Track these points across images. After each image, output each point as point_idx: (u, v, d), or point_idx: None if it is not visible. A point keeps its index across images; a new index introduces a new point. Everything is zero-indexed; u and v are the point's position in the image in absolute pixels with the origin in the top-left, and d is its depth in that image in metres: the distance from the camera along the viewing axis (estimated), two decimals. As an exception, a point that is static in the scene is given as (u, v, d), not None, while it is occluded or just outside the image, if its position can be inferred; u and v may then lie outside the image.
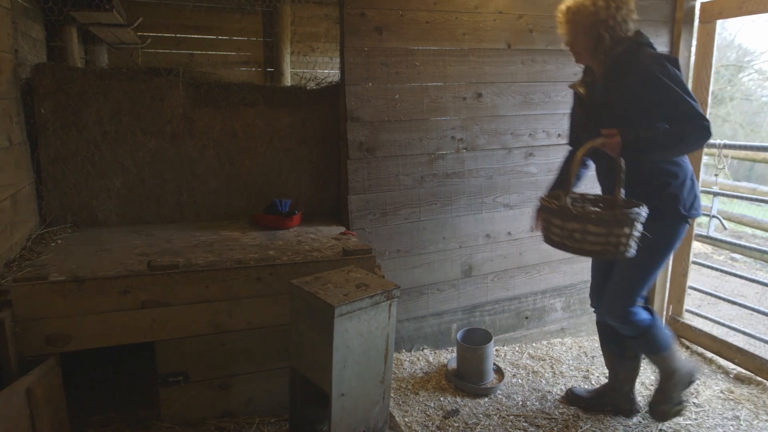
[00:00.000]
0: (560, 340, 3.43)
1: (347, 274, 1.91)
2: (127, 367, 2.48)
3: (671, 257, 2.28)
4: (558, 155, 3.14)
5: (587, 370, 3.04)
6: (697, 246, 3.59)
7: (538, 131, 3.07)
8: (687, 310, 3.53)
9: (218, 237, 2.41)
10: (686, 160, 2.19)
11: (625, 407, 2.55)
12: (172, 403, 2.02)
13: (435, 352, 3.06)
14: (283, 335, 2.06)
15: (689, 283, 3.47)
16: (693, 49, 3.32)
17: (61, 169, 2.44)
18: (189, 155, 2.61)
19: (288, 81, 5.01)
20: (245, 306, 2.01)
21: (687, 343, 3.41)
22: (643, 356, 2.55)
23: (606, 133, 1.97)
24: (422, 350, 3.06)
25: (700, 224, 4.01)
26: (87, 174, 2.49)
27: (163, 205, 2.62)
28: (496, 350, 3.15)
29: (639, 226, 1.90)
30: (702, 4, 3.23)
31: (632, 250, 1.93)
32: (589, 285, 3.45)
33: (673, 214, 2.16)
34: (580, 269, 3.38)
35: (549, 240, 2.01)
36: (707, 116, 1.98)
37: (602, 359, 3.18)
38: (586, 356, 3.23)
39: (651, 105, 1.99)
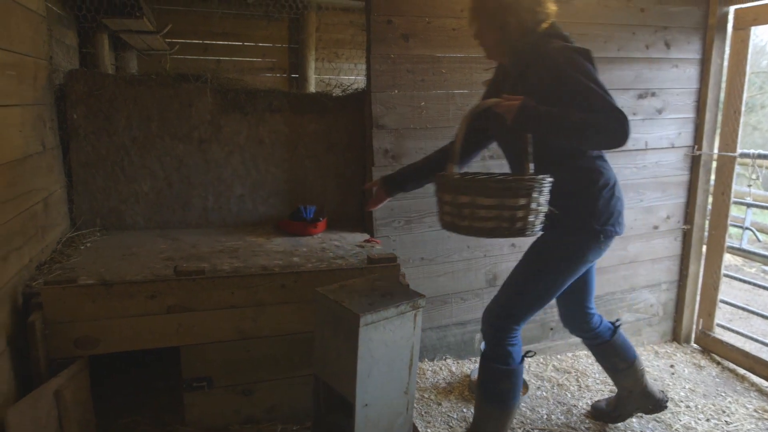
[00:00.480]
0: (586, 352, 3.36)
1: (372, 282, 1.90)
2: (150, 371, 2.50)
3: (570, 279, 2.02)
4: (586, 164, 3.08)
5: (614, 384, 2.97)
6: (727, 258, 3.49)
7: (565, 139, 3.02)
8: (718, 325, 3.43)
9: (243, 243, 2.42)
10: (608, 168, 1.98)
11: (649, 406, 2.46)
12: (196, 408, 2.02)
13: (458, 362, 3.03)
14: (307, 342, 2.05)
15: (720, 296, 3.38)
16: (726, 57, 3.24)
17: (92, 173, 2.48)
18: (215, 161, 2.63)
19: (312, 87, 5.04)
20: (270, 312, 2.01)
21: (718, 358, 3.31)
22: (636, 359, 2.44)
23: (506, 96, 1.79)
24: (445, 360, 3.02)
25: (732, 236, 3.90)
26: (116, 178, 2.52)
27: (189, 210, 2.64)
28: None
29: (542, 199, 1.69)
30: (736, 10, 3.15)
31: (534, 228, 1.71)
32: (614, 296, 3.41)
33: (581, 224, 1.93)
34: (606, 280, 3.31)
35: (441, 221, 1.79)
36: (624, 112, 1.70)
37: (629, 373, 3.13)
38: (613, 370, 3.16)
39: (561, 101, 1.76)
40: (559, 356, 3.25)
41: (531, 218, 1.68)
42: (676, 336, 3.59)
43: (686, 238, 3.46)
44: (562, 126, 1.73)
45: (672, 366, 3.23)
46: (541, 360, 3.18)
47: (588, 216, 1.93)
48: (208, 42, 4.82)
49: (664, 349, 3.47)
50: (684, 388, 2.96)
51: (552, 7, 1.92)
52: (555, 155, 1.92)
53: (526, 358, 2.11)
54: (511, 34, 1.88)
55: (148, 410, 2.22)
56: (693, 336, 3.55)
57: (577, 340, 3.29)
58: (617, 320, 2.43)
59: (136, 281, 1.86)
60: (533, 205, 1.67)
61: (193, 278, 1.91)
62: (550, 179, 1.74)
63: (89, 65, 3.24)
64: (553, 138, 1.81)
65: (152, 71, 2.58)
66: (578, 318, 2.32)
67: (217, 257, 2.19)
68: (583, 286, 2.23)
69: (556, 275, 2.00)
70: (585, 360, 3.25)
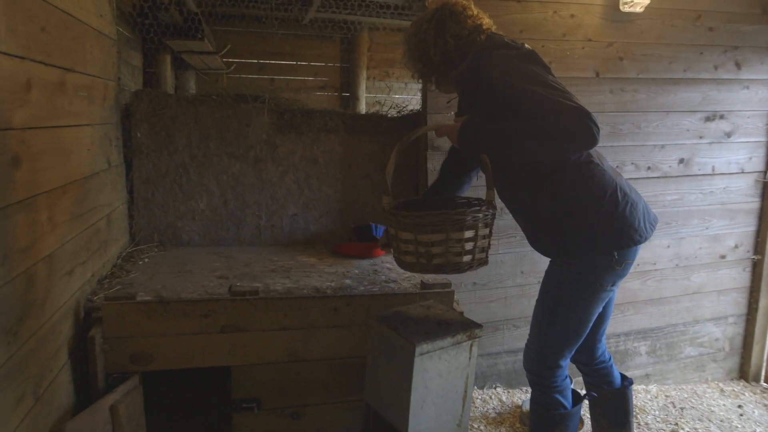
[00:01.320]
0: (644, 387, 3.18)
1: (427, 309, 1.85)
2: (200, 389, 2.52)
3: (593, 309, 1.81)
4: (647, 189, 2.96)
5: (676, 423, 2.80)
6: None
7: (626, 163, 2.91)
8: (791, 364, 3.20)
9: (295, 262, 2.42)
10: (602, 173, 1.71)
11: None
12: (244, 428, 2.01)
13: (509, 392, 2.92)
14: (357, 367, 2.02)
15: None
16: (802, 78, 3.06)
17: (152, 190, 2.55)
18: (270, 180, 2.66)
19: (363, 105, 5.07)
20: (321, 335, 1.99)
21: (792, 401, 3.08)
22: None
23: (455, 119, 1.73)
24: (495, 388, 2.92)
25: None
26: (175, 195, 2.58)
27: (243, 228, 2.67)
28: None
29: (467, 234, 1.56)
30: (814, 29, 2.98)
31: (460, 266, 1.59)
32: (676, 328, 3.22)
33: (585, 247, 1.72)
34: (668, 311, 3.15)
35: (396, 259, 1.72)
36: (590, 114, 1.49)
37: (692, 412, 2.93)
38: (674, 407, 2.98)
39: (512, 115, 1.59)
40: (615, 390, 3.09)
41: (452, 256, 1.57)
42: (744, 373, 3.36)
43: (756, 268, 3.25)
44: (510, 137, 1.58)
45: (740, 406, 3.02)
46: (597, 393, 3.03)
47: (590, 235, 1.71)
48: (264, 61, 4.94)
49: (731, 388, 3.26)
50: (755, 431, 2.75)
51: (480, 19, 1.80)
52: (528, 178, 1.75)
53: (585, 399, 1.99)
54: (446, 63, 1.77)
55: (197, 429, 2.22)
56: (763, 374, 3.32)
57: (636, 373, 3.14)
58: (628, 380, 2.15)
59: (192, 300, 1.88)
60: (451, 243, 1.55)
61: (247, 298, 1.91)
62: (476, 213, 1.58)
63: (152, 84, 3.36)
64: (506, 154, 1.66)
65: (211, 91, 2.64)
66: (583, 344, 2.01)
67: (269, 277, 2.19)
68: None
69: (575, 309, 1.80)
70: (643, 395, 3.08)
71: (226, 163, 2.61)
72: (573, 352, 1.90)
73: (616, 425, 2.12)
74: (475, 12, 1.80)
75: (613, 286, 1.80)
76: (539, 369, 1.87)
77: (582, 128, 1.49)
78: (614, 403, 2.11)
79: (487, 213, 1.61)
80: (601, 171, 1.73)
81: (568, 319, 1.81)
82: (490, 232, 1.68)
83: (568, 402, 1.91)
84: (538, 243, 1.87)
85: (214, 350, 1.91)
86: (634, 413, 2.85)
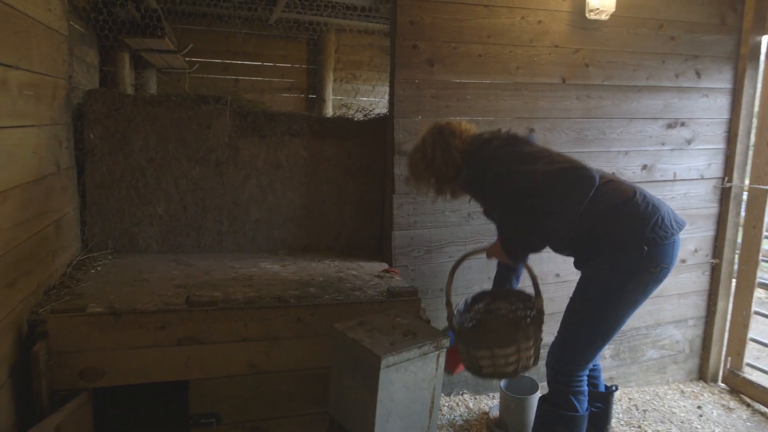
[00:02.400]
0: (617, 387, 3.21)
1: (393, 319, 1.80)
2: (156, 405, 2.40)
3: (627, 308, 1.91)
4: (612, 195, 2.99)
5: (639, 426, 2.83)
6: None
7: (591, 169, 2.93)
8: (747, 364, 3.28)
9: (258, 270, 2.34)
10: (622, 184, 1.93)
11: None
12: (203, 445, 1.92)
13: (476, 398, 2.90)
14: (322, 379, 1.96)
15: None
16: (759, 86, 3.14)
17: (106, 194, 2.43)
18: (232, 184, 2.57)
19: (330, 108, 5.01)
20: (284, 347, 1.92)
21: (748, 400, 3.15)
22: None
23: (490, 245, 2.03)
24: (462, 395, 2.90)
25: (764, 269, 3.74)
26: (130, 200, 2.47)
27: (203, 234, 2.58)
28: (541, 399, 2.97)
29: (531, 341, 1.83)
30: (769, 40, 3.07)
31: (529, 366, 1.85)
32: (638, 332, 3.27)
33: (618, 245, 1.85)
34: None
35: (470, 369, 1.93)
36: (582, 165, 1.75)
37: (654, 414, 2.98)
38: (637, 409, 3.02)
39: (518, 202, 1.91)
40: (581, 394, 3.12)
41: (523, 361, 1.81)
42: (703, 375, 3.43)
43: (715, 272, 3.33)
44: (539, 226, 1.85)
45: (700, 407, 3.07)
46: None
47: (619, 234, 1.85)
48: (228, 61, 4.82)
49: (691, 389, 3.32)
50: (714, 431, 2.81)
51: (469, 131, 2.05)
52: (569, 231, 1.94)
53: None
54: (456, 174, 1.99)
55: (153, 444, 2.12)
56: (720, 375, 3.40)
57: (602, 376, 3.16)
58: (614, 385, 2.27)
59: (147, 311, 1.79)
60: (523, 349, 1.79)
61: (205, 309, 1.83)
62: (535, 323, 1.82)
63: (109, 84, 3.22)
64: (547, 239, 1.94)
65: (172, 91, 2.54)
66: None
67: (230, 285, 2.11)
68: None
69: (606, 310, 1.88)
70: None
71: (186, 166, 2.50)
72: (596, 355, 1.98)
73: (594, 429, 2.14)
74: (464, 125, 2.07)
75: (645, 289, 1.88)
76: (559, 365, 1.94)
77: (582, 181, 1.74)
78: (596, 407, 2.15)
79: (541, 320, 1.86)
80: (617, 183, 1.94)
81: (597, 319, 1.90)
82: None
83: (581, 407, 1.95)
84: (576, 260, 2.03)
85: (170, 364, 1.82)
86: (599, 417, 2.87)
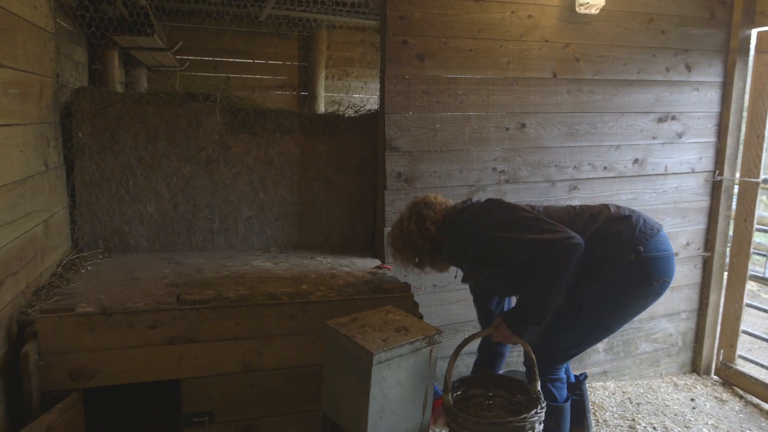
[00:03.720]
0: (602, 384, 3.23)
1: (385, 315, 1.80)
2: (148, 404, 2.39)
3: (622, 316, 1.97)
4: (604, 189, 3.00)
5: (633, 419, 2.84)
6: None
7: (583, 163, 2.93)
8: (740, 356, 3.30)
9: (250, 267, 2.33)
10: (591, 209, 1.98)
11: None
12: (196, 444, 1.91)
13: (470, 394, 2.90)
14: (315, 377, 1.95)
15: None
16: (748, 80, 3.16)
17: (95, 193, 2.41)
18: (223, 182, 2.56)
19: (322, 105, 4.99)
20: (276, 344, 1.91)
21: (740, 392, 3.18)
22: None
23: (494, 325, 1.90)
24: (456, 391, 2.90)
25: (755, 262, 3.77)
26: (121, 199, 2.45)
27: (194, 233, 2.56)
28: (535, 393, 2.98)
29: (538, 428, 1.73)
30: (759, 33, 3.08)
31: None
32: (632, 325, 3.28)
33: (612, 254, 1.87)
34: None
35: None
36: (565, 234, 1.75)
37: (648, 407, 2.99)
38: (631, 403, 3.03)
39: (503, 266, 1.90)
40: (575, 388, 3.12)
41: None
42: (696, 367, 3.45)
43: (707, 265, 3.35)
44: (541, 298, 1.77)
45: (693, 399, 3.09)
46: (557, 392, 3.05)
47: (615, 244, 1.87)
48: (218, 59, 4.79)
49: (684, 381, 3.34)
50: (707, 424, 2.82)
51: (444, 204, 2.05)
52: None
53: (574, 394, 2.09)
54: (434, 247, 1.98)
55: (146, 444, 2.11)
56: (713, 367, 3.42)
57: (594, 371, 3.18)
58: (582, 374, 2.30)
59: (137, 310, 1.77)
60: None
61: (197, 307, 1.82)
62: (543, 410, 1.74)
63: (98, 82, 3.19)
64: (551, 308, 1.81)
65: (161, 89, 2.52)
66: None
67: (222, 283, 2.09)
68: None
69: (598, 315, 1.93)
70: (601, 392, 3.12)
71: (176, 164, 2.49)
72: (579, 353, 2.06)
73: (573, 422, 2.14)
74: (440, 199, 2.07)
75: (645, 302, 1.93)
76: (540, 359, 1.91)
77: (569, 249, 1.72)
78: (574, 395, 2.18)
79: (542, 411, 1.75)
80: (586, 207, 2.00)
81: (590, 328, 1.95)
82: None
83: (559, 394, 2.01)
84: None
85: (161, 363, 1.81)
86: (592, 410, 2.88)
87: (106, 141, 2.39)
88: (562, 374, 2.04)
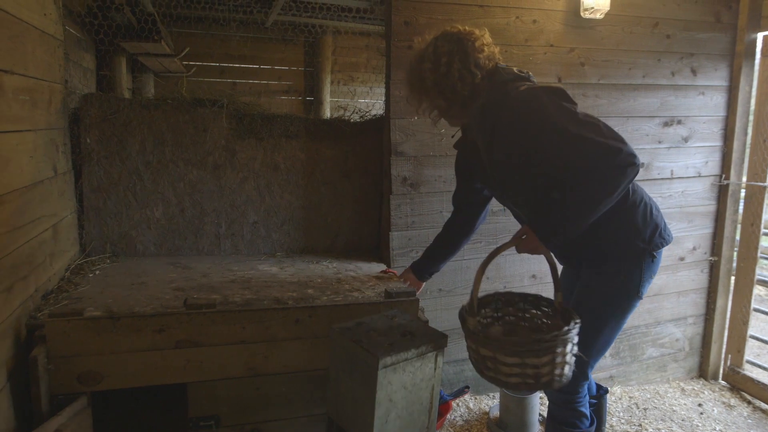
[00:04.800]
0: (609, 389, 3.21)
1: (391, 320, 1.80)
2: (155, 408, 2.40)
3: (628, 314, 1.84)
4: (609, 193, 2.99)
5: (640, 425, 2.83)
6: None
7: (588, 168, 2.93)
8: (747, 361, 3.28)
9: (256, 272, 2.34)
10: (637, 186, 1.77)
11: None
12: (202, 447, 1.92)
13: (476, 398, 2.90)
14: (321, 381, 1.96)
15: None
16: (755, 84, 3.15)
17: (103, 198, 2.43)
18: (229, 187, 2.57)
19: (328, 109, 5.02)
20: (282, 348, 1.92)
21: (749, 397, 3.15)
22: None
23: (517, 236, 1.65)
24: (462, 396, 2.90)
25: (762, 266, 3.74)
26: (128, 204, 2.47)
27: (201, 237, 2.58)
28: (541, 398, 2.97)
29: (568, 348, 1.52)
30: (765, 37, 3.08)
31: (562, 379, 1.54)
32: (638, 330, 3.26)
33: (630, 251, 1.72)
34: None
35: (470, 359, 1.69)
36: (632, 151, 1.51)
37: (655, 412, 2.97)
38: (638, 408, 3.02)
39: (544, 159, 1.59)
40: (581, 393, 3.11)
41: (557, 371, 1.53)
42: (703, 372, 3.43)
43: (713, 270, 3.33)
44: (580, 209, 1.54)
45: (700, 405, 3.07)
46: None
47: (629, 237, 1.72)
48: (225, 65, 4.83)
49: (691, 386, 3.32)
50: (715, 429, 2.81)
51: (494, 48, 1.73)
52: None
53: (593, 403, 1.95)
54: (472, 96, 1.67)
55: (153, 448, 2.12)
56: (721, 372, 3.40)
57: (600, 375, 3.17)
58: (603, 388, 2.17)
59: (144, 314, 1.79)
60: (558, 359, 1.52)
61: (203, 311, 1.83)
62: (577, 326, 1.53)
63: (106, 88, 3.22)
64: (584, 224, 1.58)
65: (168, 95, 2.54)
66: None
67: (228, 288, 2.11)
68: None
69: (614, 318, 1.79)
70: (608, 397, 3.10)
71: (183, 169, 2.51)
72: (593, 366, 1.89)
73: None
74: (488, 37, 1.72)
75: (646, 289, 1.80)
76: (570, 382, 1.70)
77: (629, 167, 1.49)
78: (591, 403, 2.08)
79: (576, 325, 1.54)
80: (636, 184, 1.78)
81: (607, 330, 1.80)
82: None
83: (586, 419, 1.88)
84: (569, 256, 1.86)
85: (168, 367, 1.82)
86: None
87: (114, 146, 2.41)
88: (585, 395, 1.88)
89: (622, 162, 1.49)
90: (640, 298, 1.80)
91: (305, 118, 2.65)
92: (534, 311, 1.79)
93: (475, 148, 1.84)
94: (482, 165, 1.84)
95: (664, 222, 1.81)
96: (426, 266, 2.21)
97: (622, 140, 1.52)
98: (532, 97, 1.58)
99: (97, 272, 2.25)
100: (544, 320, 1.76)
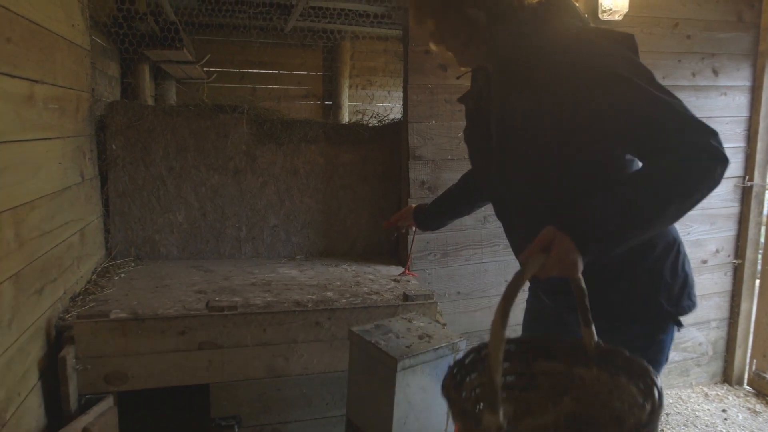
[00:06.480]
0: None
1: (409, 322, 1.82)
2: (179, 408, 2.45)
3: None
4: (629, 196, 2.97)
5: (662, 430, 2.80)
6: None
7: (608, 170, 2.91)
8: (774, 366, 3.22)
9: (276, 275, 2.38)
10: None
11: None
12: (224, 447, 1.96)
13: (494, 402, 2.89)
14: (340, 382, 1.98)
15: (777, 336, 3.17)
16: (779, 84, 3.10)
17: (128, 203, 2.50)
18: (250, 191, 2.62)
19: (346, 114, 5.06)
20: (302, 350, 1.95)
21: (775, 403, 3.10)
22: None
23: (535, 247, 1.00)
24: (481, 399, 2.89)
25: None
26: (152, 208, 2.53)
27: (222, 241, 2.62)
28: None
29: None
30: (789, 36, 3.02)
31: None
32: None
33: (652, 313, 1.23)
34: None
35: None
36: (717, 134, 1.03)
37: (677, 417, 2.93)
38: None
39: (593, 119, 1.10)
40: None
41: None
42: (728, 377, 3.37)
43: (737, 273, 3.28)
44: (636, 217, 1.01)
45: (724, 410, 3.02)
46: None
47: (652, 292, 1.23)
48: (245, 70, 4.90)
49: (715, 392, 3.26)
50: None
51: None
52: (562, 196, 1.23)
53: None
54: (483, 22, 1.19)
55: (176, 447, 2.16)
56: (746, 377, 3.34)
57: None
58: None
59: (168, 316, 1.83)
60: None
61: (225, 314, 1.87)
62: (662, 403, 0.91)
63: (130, 95, 3.30)
64: (646, 233, 1.05)
65: (190, 101, 2.60)
66: None
67: (249, 291, 2.14)
68: None
69: None
70: (630, 402, 3.07)
71: (205, 174, 2.56)
72: None
73: None
74: None
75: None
76: None
77: (718, 160, 1.01)
78: None
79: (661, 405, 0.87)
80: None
81: None
82: None
83: None
84: (562, 292, 1.26)
85: (191, 368, 1.86)
86: (620, 421, 2.84)
87: (138, 152, 2.48)
88: None
89: (716, 153, 1.00)
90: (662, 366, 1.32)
91: (324, 123, 2.69)
92: (547, 363, 1.08)
93: (482, 111, 1.32)
94: (485, 134, 1.30)
95: (693, 277, 1.31)
96: (432, 213, 1.83)
97: (703, 123, 1.03)
98: (597, 46, 1.11)
99: (123, 275, 2.31)
100: (576, 376, 1.05)
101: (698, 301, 1.30)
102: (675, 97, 1.06)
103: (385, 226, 1.92)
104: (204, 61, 3.81)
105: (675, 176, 1.00)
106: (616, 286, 1.24)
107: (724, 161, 1.01)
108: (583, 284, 1.01)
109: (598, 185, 1.18)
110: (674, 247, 1.28)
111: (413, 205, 1.92)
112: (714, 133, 1.02)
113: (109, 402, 1.78)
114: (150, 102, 3.57)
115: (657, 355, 1.27)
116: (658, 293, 1.24)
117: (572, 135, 1.15)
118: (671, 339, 1.29)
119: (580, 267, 0.99)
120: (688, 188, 1.00)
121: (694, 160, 1.00)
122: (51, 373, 1.72)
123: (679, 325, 1.27)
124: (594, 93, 1.09)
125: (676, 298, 1.26)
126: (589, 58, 1.11)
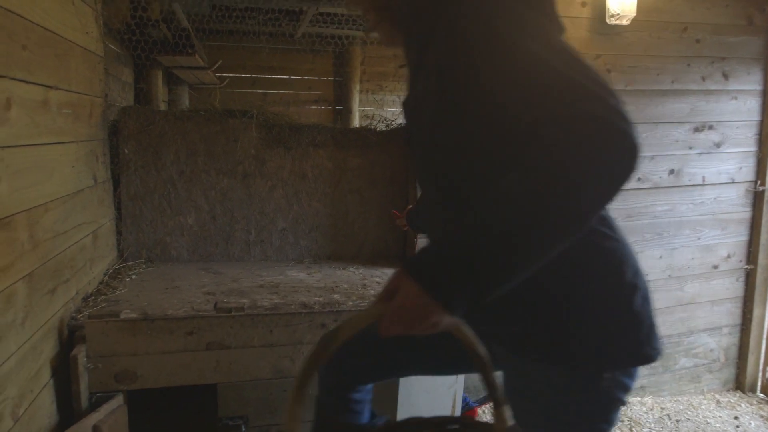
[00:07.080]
0: (640, 399, 3.16)
1: (413, 324, 1.83)
2: (187, 407, 2.48)
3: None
4: (638, 200, 2.96)
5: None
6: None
7: (616, 174, 2.90)
8: (787, 374, 3.18)
9: (284, 277, 2.40)
10: (618, 234, 0.99)
11: None
12: (231, 447, 1.99)
13: (502, 406, 2.89)
14: (345, 384, 1.99)
15: (790, 343, 3.14)
16: (791, 88, 3.07)
17: (140, 206, 2.54)
18: (259, 195, 2.65)
19: (356, 119, 5.09)
20: (308, 352, 1.97)
21: (788, 411, 3.05)
22: None
23: (380, 294, 0.88)
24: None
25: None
26: (163, 211, 2.57)
27: (231, 244, 2.66)
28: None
29: None
30: (801, 40, 3.00)
31: None
32: (670, 339, 3.19)
33: (617, 342, 0.97)
34: (662, 322, 3.13)
35: None
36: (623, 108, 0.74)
37: (688, 424, 2.90)
38: (670, 419, 2.96)
39: (474, 98, 0.88)
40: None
41: None
42: (740, 384, 3.34)
43: (749, 278, 3.25)
44: (527, 220, 0.73)
45: (736, 418, 2.99)
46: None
47: (623, 321, 0.96)
48: (256, 76, 4.96)
49: (727, 399, 3.23)
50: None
51: None
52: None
53: None
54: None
55: (185, 446, 2.19)
56: (759, 384, 3.30)
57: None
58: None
59: (177, 317, 1.86)
60: None
61: (232, 315, 1.90)
62: None
63: (143, 100, 3.36)
64: (541, 255, 0.76)
65: (201, 107, 2.64)
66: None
67: (257, 293, 2.17)
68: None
69: None
70: (638, 408, 3.05)
71: (214, 178, 2.60)
72: None
73: None
74: None
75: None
76: None
77: (624, 147, 0.72)
78: None
79: None
80: (617, 228, 1.00)
81: None
82: None
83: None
84: (513, 330, 1.00)
85: (199, 368, 1.89)
86: (629, 426, 2.82)
87: (150, 156, 2.52)
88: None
89: (614, 115, 0.72)
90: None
91: (332, 128, 2.72)
92: None
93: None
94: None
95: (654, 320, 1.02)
96: (415, 214, 1.74)
97: (611, 91, 0.77)
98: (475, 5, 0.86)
99: (134, 276, 2.35)
100: None
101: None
102: (586, 67, 0.78)
103: (393, 216, 2.05)
104: (215, 66, 3.87)
105: (550, 169, 0.72)
106: (572, 299, 0.96)
107: (634, 154, 0.74)
108: (482, 351, 0.83)
109: (488, 174, 0.92)
110: (642, 284, 0.99)
111: (410, 206, 1.95)
112: (616, 103, 0.74)
113: (119, 400, 1.82)
114: (163, 107, 3.62)
115: (622, 395, 1.03)
116: (630, 326, 0.98)
117: (444, 114, 0.93)
118: (628, 386, 1.02)
119: (443, 321, 0.77)
120: (573, 182, 0.71)
121: (578, 139, 0.71)
122: (63, 371, 1.76)
123: (633, 374, 1.02)
124: (475, 64, 0.85)
125: (645, 337, 0.98)
126: (459, 28, 0.87)
